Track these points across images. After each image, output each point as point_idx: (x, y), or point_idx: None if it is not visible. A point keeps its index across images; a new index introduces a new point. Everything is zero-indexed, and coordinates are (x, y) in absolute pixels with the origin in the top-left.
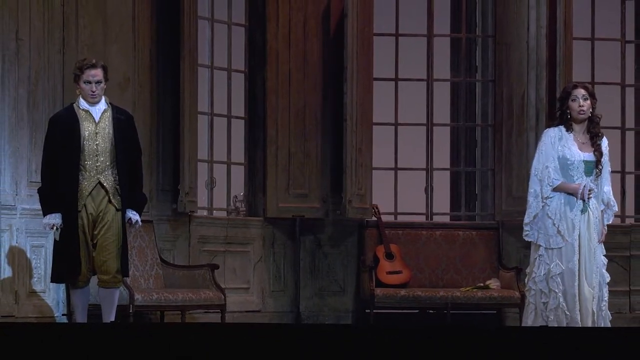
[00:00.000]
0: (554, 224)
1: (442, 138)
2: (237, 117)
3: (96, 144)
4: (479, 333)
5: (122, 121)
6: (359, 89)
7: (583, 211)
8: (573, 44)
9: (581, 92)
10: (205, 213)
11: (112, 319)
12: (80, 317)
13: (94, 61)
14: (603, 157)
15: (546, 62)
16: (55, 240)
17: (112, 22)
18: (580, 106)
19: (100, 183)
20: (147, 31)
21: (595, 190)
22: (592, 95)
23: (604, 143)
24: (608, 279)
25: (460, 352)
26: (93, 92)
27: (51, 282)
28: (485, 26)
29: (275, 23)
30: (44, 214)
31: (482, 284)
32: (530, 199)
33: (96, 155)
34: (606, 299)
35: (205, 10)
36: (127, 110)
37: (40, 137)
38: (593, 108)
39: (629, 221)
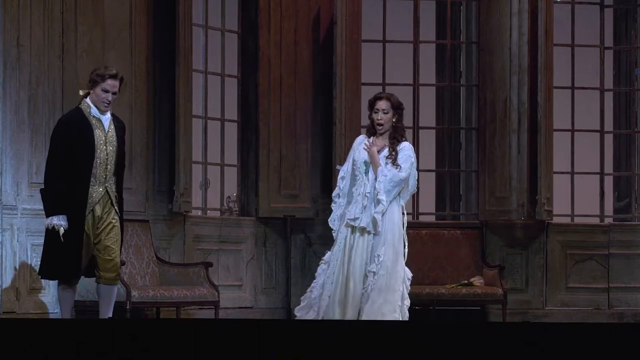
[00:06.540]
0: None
1: (428, 141)
2: (230, 121)
3: (106, 153)
4: (463, 328)
5: (120, 129)
6: (348, 94)
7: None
8: (554, 50)
9: (382, 105)
10: (199, 213)
11: (110, 314)
12: (67, 314)
13: (115, 71)
14: (397, 159)
15: (528, 68)
16: (48, 238)
17: (110, 29)
18: (379, 119)
19: (107, 190)
20: (143, 38)
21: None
22: (395, 107)
23: (401, 146)
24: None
25: (445, 346)
26: (108, 101)
27: (42, 278)
28: (469, 33)
29: (267, 30)
30: (47, 215)
31: (466, 281)
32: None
33: (106, 164)
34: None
35: (200, 18)
36: (120, 117)
37: (41, 140)
38: (398, 119)
39: (608, 221)
